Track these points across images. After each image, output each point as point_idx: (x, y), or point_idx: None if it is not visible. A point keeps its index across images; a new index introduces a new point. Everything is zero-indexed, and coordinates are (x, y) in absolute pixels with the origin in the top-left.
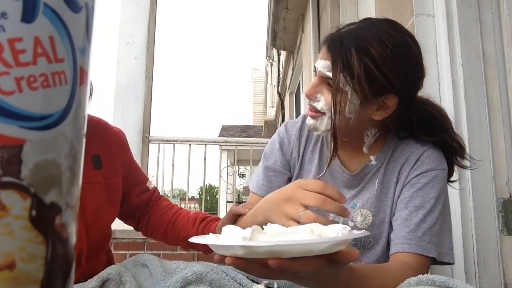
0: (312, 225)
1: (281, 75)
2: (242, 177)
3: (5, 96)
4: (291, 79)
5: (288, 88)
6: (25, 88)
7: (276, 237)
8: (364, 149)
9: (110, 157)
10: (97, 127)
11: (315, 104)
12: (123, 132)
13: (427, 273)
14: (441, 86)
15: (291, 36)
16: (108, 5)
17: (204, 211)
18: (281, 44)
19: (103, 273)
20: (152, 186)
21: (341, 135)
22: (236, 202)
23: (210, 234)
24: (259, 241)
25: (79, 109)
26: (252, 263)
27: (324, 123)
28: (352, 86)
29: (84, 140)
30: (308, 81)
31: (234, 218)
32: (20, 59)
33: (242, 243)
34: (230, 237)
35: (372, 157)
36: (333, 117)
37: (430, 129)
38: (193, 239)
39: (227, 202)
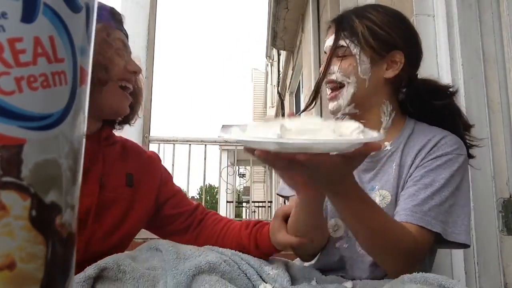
0: (329, 123)
1: (281, 75)
2: (242, 177)
3: (5, 96)
4: (291, 79)
5: (288, 88)
6: (25, 88)
7: (303, 134)
8: (381, 131)
9: (143, 178)
10: (132, 149)
11: (332, 77)
12: (156, 154)
13: (429, 249)
14: None
15: (291, 36)
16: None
17: None
18: (281, 44)
19: (101, 262)
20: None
21: (360, 107)
22: (236, 202)
23: (235, 126)
24: (293, 138)
25: (79, 109)
26: (280, 157)
27: (344, 95)
28: (360, 46)
29: (84, 140)
30: (308, 80)
31: (284, 219)
32: (20, 59)
33: (277, 140)
34: (262, 133)
35: (387, 143)
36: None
37: (440, 97)
38: (221, 131)
39: (227, 202)
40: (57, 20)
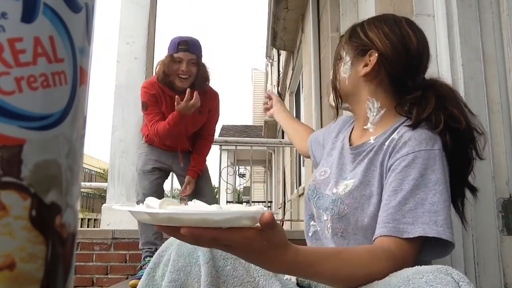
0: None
1: (281, 75)
2: (242, 177)
3: (5, 96)
4: (291, 79)
5: (288, 88)
6: (25, 88)
7: (184, 208)
8: (368, 125)
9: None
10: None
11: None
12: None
13: (412, 259)
14: None
15: (291, 36)
16: (108, 5)
17: None
18: (281, 44)
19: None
20: None
21: (349, 102)
22: (236, 202)
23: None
24: (158, 209)
25: (79, 109)
26: (179, 232)
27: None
28: (345, 47)
29: (84, 140)
30: (308, 80)
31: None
32: (20, 59)
33: (146, 210)
34: (142, 206)
35: (372, 137)
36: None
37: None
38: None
39: (227, 202)
40: (57, 20)
